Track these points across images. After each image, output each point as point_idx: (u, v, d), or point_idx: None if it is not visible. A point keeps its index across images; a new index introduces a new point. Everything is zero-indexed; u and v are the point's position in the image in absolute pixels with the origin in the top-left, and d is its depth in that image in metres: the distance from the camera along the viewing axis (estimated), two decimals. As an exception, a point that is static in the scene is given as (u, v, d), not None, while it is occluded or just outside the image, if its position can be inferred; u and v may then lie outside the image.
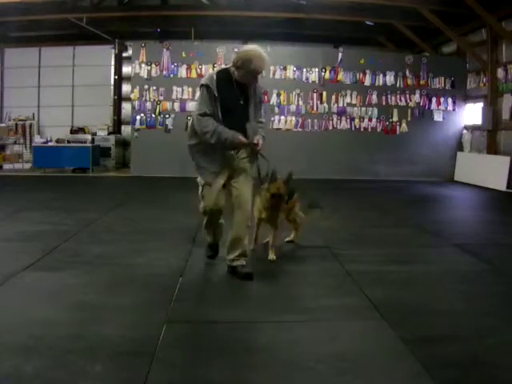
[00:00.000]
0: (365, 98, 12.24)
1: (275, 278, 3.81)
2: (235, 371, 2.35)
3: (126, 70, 13.69)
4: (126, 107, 13.71)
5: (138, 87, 11.91)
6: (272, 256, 4.29)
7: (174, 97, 11.93)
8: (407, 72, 12.31)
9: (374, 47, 13.86)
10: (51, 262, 4.09)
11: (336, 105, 12.22)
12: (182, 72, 11.93)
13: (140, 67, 11.93)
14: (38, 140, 12.83)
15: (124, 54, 14.22)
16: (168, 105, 11.94)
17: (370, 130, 12.30)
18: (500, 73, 10.97)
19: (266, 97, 11.98)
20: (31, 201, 7.59)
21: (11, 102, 14.08)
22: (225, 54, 11.89)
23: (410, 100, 12.34)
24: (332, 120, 12.24)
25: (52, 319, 2.89)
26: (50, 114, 13.96)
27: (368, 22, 12.37)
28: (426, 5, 10.67)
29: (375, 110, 12.29)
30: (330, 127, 12.25)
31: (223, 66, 4.81)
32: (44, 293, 3.37)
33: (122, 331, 2.75)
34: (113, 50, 14.15)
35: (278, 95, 12.06)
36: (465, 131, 12.55)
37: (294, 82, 12.14)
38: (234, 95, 3.66)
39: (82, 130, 13.26)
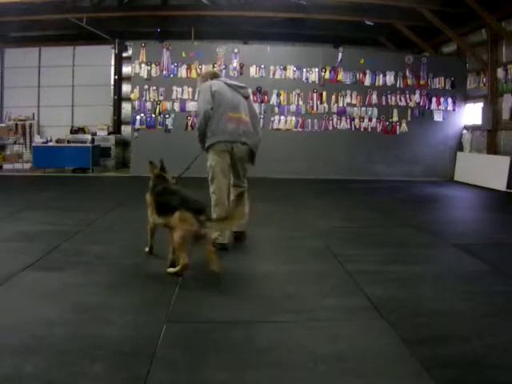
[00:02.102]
0: (365, 98, 12.24)
1: (275, 278, 3.80)
2: (235, 371, 2.35)
3: (126, 69, 13.68)
4: (126, 107, 13.70)
5: (137, 87, 11.92)
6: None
7: (173, 97, 11.93)
8: (407, 72, 12.31)
9: (374, 47, 13.85)
10: (51, 262, 4.09)
11: (336, 105, 12.22)
12: (182, 72, 11.93)
13: (140, 67, 11.94)
14: (37, 140, 12.83)
15: (124, 54, 14.20)
16: (168, 105, 11.94)
17: (369, 129, 12.29)
18: (500, 73, 10.96)
19: (265, 97, 12.02)
20: (31, 201, 7.59)
21: (11, 102, 14.08)
22: (225, 54, 11.92)
23: (410, 100, 12.34)
24: (332, 120, 12.24)
25: (52, 319, 2.89)
26: (50, 114, 13.96)
27: (368, 22, 12.35)
28: (426, 5, 10.67)
29: (375, 110, 12.28)
30: (330, 127, 12.24)
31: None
32: (44, 293, 3.37)
33: (122, 331, 2.75)
34: (113, 50, 14.14)
35: (278, 95, 12.06)
36: (465, 131, 12.54)
37: (294, 82, 12.13)
38: None
39: (82, 129, 13.26)
